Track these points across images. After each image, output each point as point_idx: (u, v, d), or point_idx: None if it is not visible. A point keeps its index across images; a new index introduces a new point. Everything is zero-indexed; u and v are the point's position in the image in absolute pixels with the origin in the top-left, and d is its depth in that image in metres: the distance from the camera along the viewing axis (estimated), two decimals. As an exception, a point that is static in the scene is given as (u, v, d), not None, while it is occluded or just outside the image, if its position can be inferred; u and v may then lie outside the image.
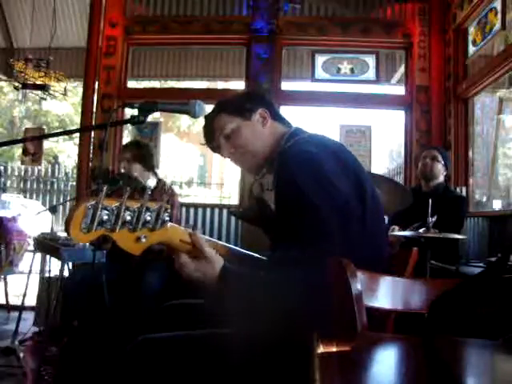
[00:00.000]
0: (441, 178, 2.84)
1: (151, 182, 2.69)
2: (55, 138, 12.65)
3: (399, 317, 1.09)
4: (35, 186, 10.80)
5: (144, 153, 2.71)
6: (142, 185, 2.56)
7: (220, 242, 1.13)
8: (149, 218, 0.91)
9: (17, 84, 4.81)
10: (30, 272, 3.03)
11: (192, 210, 3.83)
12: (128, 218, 0.88)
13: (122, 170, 2.72)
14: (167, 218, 0.94)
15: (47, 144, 12.25)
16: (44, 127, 7.02)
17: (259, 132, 1.28)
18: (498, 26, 3.04)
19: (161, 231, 0.94)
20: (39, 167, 10.22)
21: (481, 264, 2.48)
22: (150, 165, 2.71)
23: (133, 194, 2.15)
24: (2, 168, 10.69)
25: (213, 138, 1.32)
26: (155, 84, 7.43)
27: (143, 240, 0.91)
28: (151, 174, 2.74)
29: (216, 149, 1.34)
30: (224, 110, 1.30)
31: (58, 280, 2.64)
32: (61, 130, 6.64)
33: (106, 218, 0.86)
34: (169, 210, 0.94)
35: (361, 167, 1.21)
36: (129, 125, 1.46)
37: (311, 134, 1.27)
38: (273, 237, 1.32)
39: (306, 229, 1.04)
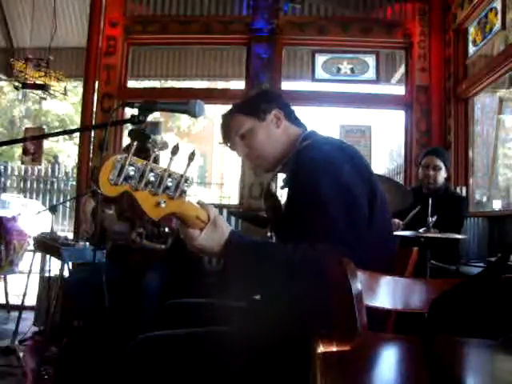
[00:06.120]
0: (442, 181, 2.81)
1: None
2: (55, 138, 12.67)
3: (399, 317, 1.09)
4: (35, 185, 10.81)
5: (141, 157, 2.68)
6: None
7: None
8: (170, 185, 0.93)
9: (17, 84, 4.79)
10: (29, 272, 3.02)
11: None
12: (152, 178, 0.90)
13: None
14: (186, 189, 0.95)
15: (47, 144, 12.26)
16: (44, 127, 6.99)
17: (273, 133, 1.31)
18: (498, 26, 3.04)
19: (179, 201, 0.95)
20: (39, 167, 10.23)
21: (481, 264, 2.48)
22: None
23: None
24: (2, 168, 10.69)
25: (229, 137, 1.37)
26: (155, 84, 7.43)
27: (163, 205, 0.92)
28: None
29: (232, 147, 1.39)
30: (240, 111, 1.34)
31: (58, 280, 2.64)
32: (61, 130, 6.63)
33: (132, 173, 0.88)
34: (189, 181, 0.95)
35: (372, 172, 1.24)
36: (129, 124, 1.45)
37: (327, 137, 1.30)
38: (279, 234, 1.34)
39: (317, 227, 1.06)
